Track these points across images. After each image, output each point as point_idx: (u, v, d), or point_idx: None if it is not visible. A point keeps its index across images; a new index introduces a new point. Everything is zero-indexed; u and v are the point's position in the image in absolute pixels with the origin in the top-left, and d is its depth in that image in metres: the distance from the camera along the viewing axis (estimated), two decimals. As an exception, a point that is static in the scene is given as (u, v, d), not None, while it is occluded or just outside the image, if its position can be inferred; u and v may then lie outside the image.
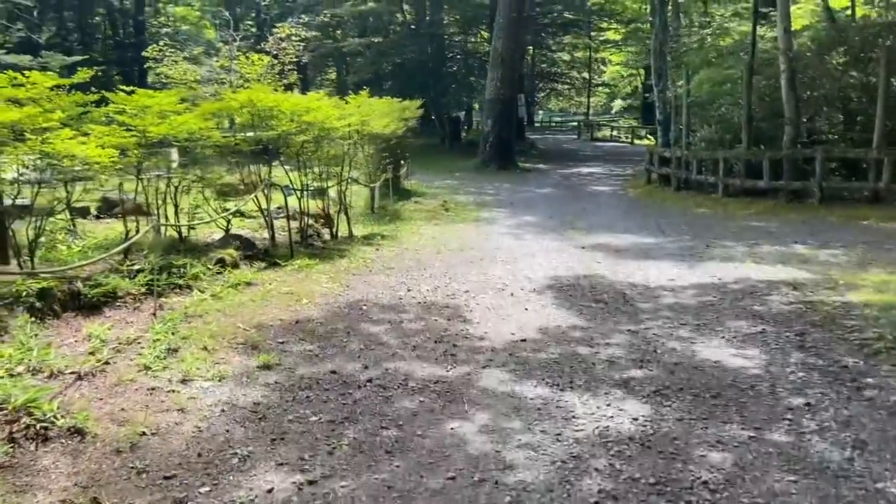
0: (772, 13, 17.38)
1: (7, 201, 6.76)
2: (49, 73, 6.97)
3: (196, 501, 3.53)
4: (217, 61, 22.12)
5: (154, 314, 6.30)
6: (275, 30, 23.08)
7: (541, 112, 62.88)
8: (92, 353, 5.21)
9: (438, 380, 5.15)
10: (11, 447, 3.82)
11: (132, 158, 7.71)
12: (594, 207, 16.21)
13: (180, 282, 7.18)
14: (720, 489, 3.58)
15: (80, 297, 6.20)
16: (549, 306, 7.19)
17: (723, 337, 6.07)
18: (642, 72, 45.38)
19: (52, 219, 8.17)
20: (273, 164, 10.23)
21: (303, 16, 31.33)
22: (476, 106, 41.41)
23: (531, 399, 4.78)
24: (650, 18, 27.38)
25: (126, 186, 8.47)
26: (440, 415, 4.56)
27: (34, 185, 6.76)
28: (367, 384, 5.05)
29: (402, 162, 18.02)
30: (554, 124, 58.87)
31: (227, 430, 4.26)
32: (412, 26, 36.68)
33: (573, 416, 4.48)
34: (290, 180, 10.31)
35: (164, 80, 19.11)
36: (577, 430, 4.28)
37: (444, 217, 14.35)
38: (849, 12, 20.29)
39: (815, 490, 3.56)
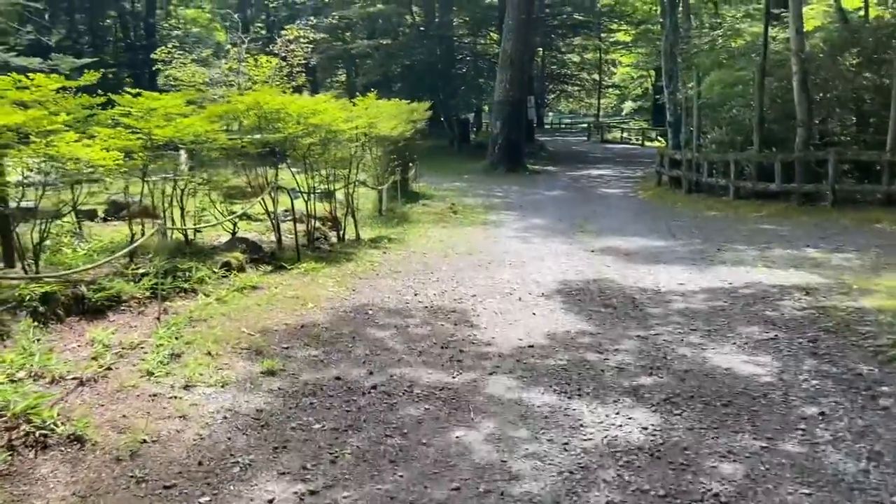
0: (784, 14, 17.18)
1: (12, 204, 6.72)
2: (54, 75, 6.92)
3: (195, 512, 3.47)
4: (226, 63, 22.12)
5: (158, 318, 6.25)
6: (283, 32, 23.04)
7: (550, 114, 62.71)
8: (94, 359, 5.16)
9: (444, 386, 5.07)
10: (10, 455, 3.77)
11: (138, 161, 7.66)
12: (604, 210, 16.10)
13: (185, 285, 7.13)
14: (732, 502, 3.49)
15: (84, 301, 6.15)
16: (557, 311, 7.10)
17: (734, 343, 5.96)
18: (653, 73, 45.24)
19: (58, 222, 8.17)
20: (280, 166, 10.17)
21: (311, 18, 31.33)
22: (485, 108, 41.33)
23: (538, 407, 4.69)
24: (660, 20, 27.25)
25: (133, 189, 8.43)
26: (445, 423, 4.48)
27: (39, 187, 6.71)
28: (372, 391, 4.98)
29: (411, 164, 17.96)
30: (564, 126, 58.67)
31: (229, 438, 4.20)
32: (421, 28, 36.65)
33: (581, 425, 4.39)
34: (297, 183, 10.25)
35: (172, 83, 19.11)
36: (584, 440, 4.19)
37: (452, 220, 14.27)
38: (862, 13, 20.06)
39: (829, 504, 3.47)
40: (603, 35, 46.76)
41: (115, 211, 10.76)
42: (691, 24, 25.38)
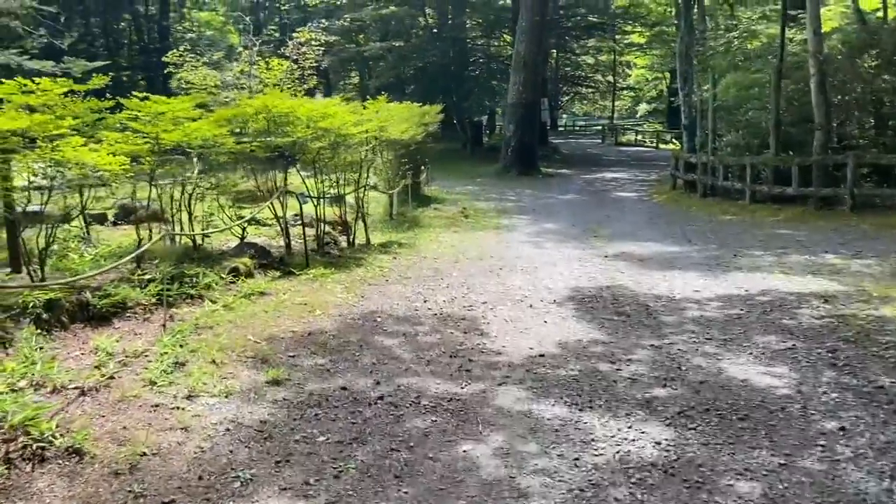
0: (801, 15, 16.95)
1: (18, 209, 6.67)
2: (61, 79, 6.87)
3: (193, 530, 3.37)
4: (237, 66, 22.13)
5: (164, 325, 6.17)
6: (294, 35, 23.02)
7: (564, 116, 62.55)
8: (97, 367, 5.08)
9: (452, 397, 4.95)
10: (7, 468, 3.69)
11: (145, 166, 7.60)
12: (618, 214, 15.93)
13: (192, 292, 7.06)
14: (749, 524, 3.35)
15: (89, 307, 6.08)
16: (569, 319, 6.96)
17: (750, 353, 5.80)
18: (667, 75, 44.98)
19: (65, 226, 8.13)
20: (290, 170, 10.09)
21: (323, 20, 31.32)
22: (499, 110, 41.20)
23: (548, 419, 4.57)
24: (675, 21, 27.04)
25: (141, 194, 8.37)
26: (453, 436, 4.36)
27: (45, 192, 6.66)
28: (379, 401, 4.87)
29: (422, 168, 17.86)
30: (577, 128, 58.48)
31: (231, 451, 4.10)
32: (434, 30, 36.57)
33: (592, 439, 4.26)
34: (307, 187, 10.17)
35: (184, 86, 19.11)
36: (596, 455, 4.06)
37: (463, 224, 14.16)
38: (880, 14, 19.77)
39: (852, 526, 3.32)
40: (617, 37, 46.48)
41: (125, 215, 10.72)
42: (706, 26, 25.12)
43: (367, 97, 14.34)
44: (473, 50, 39.10)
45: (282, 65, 19.02)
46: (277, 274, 8.40)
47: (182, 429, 4.33)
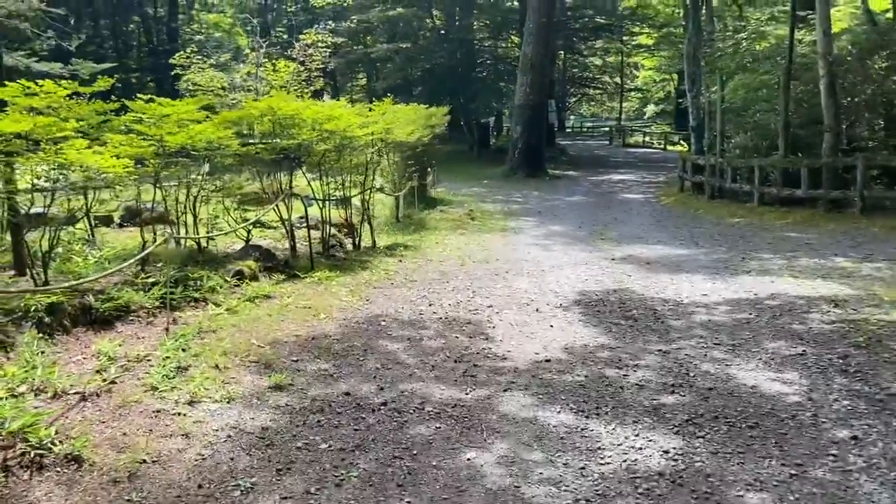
0: (810, 16, 16.83)
1: (21, 211, 6.64)
2: (65, 81, 6.84)
3: (192, 540, 3.31)
4: (244, 68, 22.13)
5: (167, 329, 6.12)
6: (301, 36, 23.01)
7: (572, 117, 62.42)
8: (98, 372, 5.04)
9: (456, 403, 4.89)
10: (4, 476, 3.64)
11: (150, 168, 7.57)
12: (625, 217, 15.84)
13: (196, 295, 7.01)
14: (759, 537, 3.28)
15: (92, 311, 6.04)
16: (575, 323, 6.89)
17: (760, 359, 5.72)
18: (675, 76, 44.82)
19: (70, 228, 8.10)
20: (295, 172, 10.05)
21: (330, 22, 31.32)
22: (506, 112, 41.13)
23: (554, 427, 4.50)
24: (683, 23, 26.91)
25: (148, 196, 8.33)
26: (457, 443, 4.29)
27: (48, 194, 6.62)
28: (382, 407, 4.81)
29: (429, 169, 17.81)
30: (585, 130, 58.33)
31: (232, 459, 4.04)
32: (442, 31, 36.55)
33: (599, 448, 4.18)
34: (312, 189, 10.12)
35: (191, 88, 19.13)
36: (602, 464, 3.99)
37: (470, 226, 14.10)
38: (889, 14, 19.63)
39: (865, 540, 3.24)
40: (625, 38, 46.36)
41: (131, 217, 10.71)
42: (714, 27, 25.02)
43: (375, 99, 14.29)
44: (481, 51, 39.07)
45: (288, 67, 19.01)
46: (282, 277, 8.35)
47: (183, 435, 4.28)
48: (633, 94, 60.16)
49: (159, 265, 7.41)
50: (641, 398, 4.94)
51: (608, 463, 4.00)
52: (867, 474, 3.81)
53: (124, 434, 4.23)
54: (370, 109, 11.51)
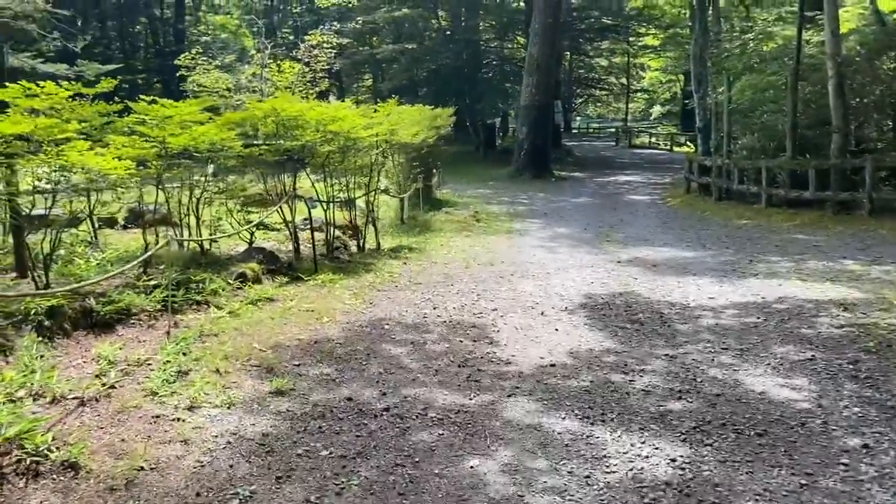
0: (818, 17, 16.70)
1: (23, 213, 6.60)
2: (73, 82, 6.79)
3: (189, 550, 3.25)
4: (249, 69, 22.11)
5: (168, 333, 6.07)
6: (306, 38, 22.98)
7: (578, 118, 62.32)
8: (98, 377, 4.99)
9: (460, 409, 4.82)
10: None
11: (152, 170, 7.52)
12: (631, 218, 15.74)
13: (198, 298, 6.96)
14: (769, 549, 3.20)
15: (93, 314, 5.99)
16: (581, 327, 6.81)
17: (768, 364, 5.63)
18: (681, 77, 44.65)
19: (73, 230, 8.06)
20: (299, 174, 9.99)
21: (336, 23, 31.30)
22: (512, 113, 41.06)
23: (559, 433, 4.42)
24: (690, 23, 26.78)
25: (151, 198, 8.28)
26: (460, 450, 4.22)
27: (50, 196, 6.57)
28: (384, 413, 4.74)
29: (434, 171, 17.74)
30: (591, 130, 58.23)
31: (231, 466, 3.98)
32: (447, 32, 36.47)
33: (604, 456, 4.11)
34: (317, 191, 10.06)
35: (196, 89, 19.11)
36: (608, 472, 3.91)
37: (475, 228, 14.02)
38: (899, 15, 19.47)
39: (877, 553, 3.16)
40: (631, 39, 46.17)
41: (135, 218, 10.67)
42: (721, 28, 24.85)
43: (380, 100, 14.24)
44: (486, 52, 38.99)
45: (293, 68, 18.97)
46: (285, 279, 8.29)
47: (182, 442, 4.22)
48: (639, 94, 60.00)
49: (161, 268, 7.35)
50: (648, 404, 4.86)
51: (614, 471, 3.92)
52: (879, 484, 3.72)
53: (122, 440, 4.17)
54: (375, 110, 11.45)
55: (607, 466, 3.98)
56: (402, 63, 34.29)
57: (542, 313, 7.30)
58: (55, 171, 6.44)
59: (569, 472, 3.92)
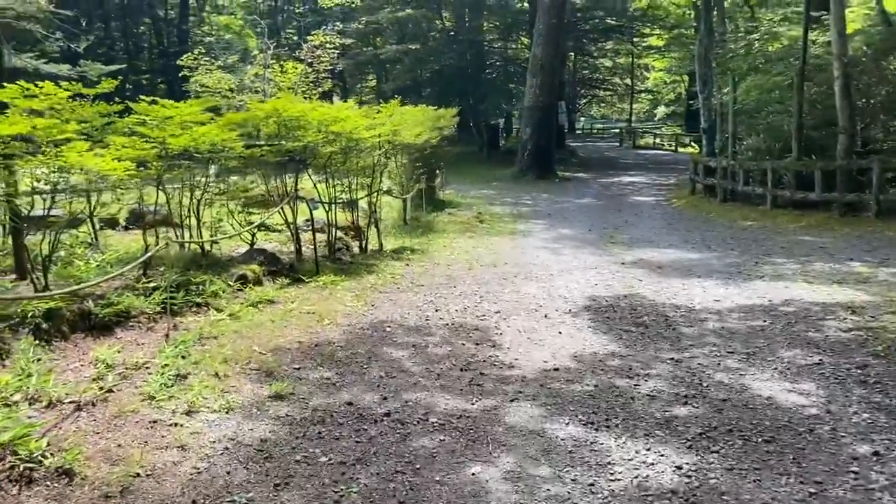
0: (824, 17, 16.60)
1: (22, 214, 6.54)
2: (73, 82, 6.73)
3: (184, 560, 3.18)
4: (252, 69, 22.06)
5: (167, 335, 6.01)
6: (309, 38, 22.93)
7: (582, 119, 62.22)
8: (95, 380, 4.92)
9: (462, 414, 4.74)
10: (-7, 490, 3.52)
11: (153, 171, 7.46)
12: (635, 219, 15.65)
13: (198, 300, 6.90)
14: (777, 561, 3.11)
15: (91, 316, 5.93)
16: (585, 330, 6.73)
17: (775, 368, 5.54)
18: (686, 78, 44.54)
19: (73, 231, 8.01)
20: (301, 175, 9.93)
21: (339, 23, 31.25)
22: (515, 113, 40.98)
23: (562, 440, 4.34)
24: (694, 24, 26.68)
25: (150, 199, 8.23)
26: (461, 457, 4.14)
27: (49, 197, 6.51)
28: (385, 418, 4.67)
29: (437, 172, 17.67)
30: (595, 131, 58.10)
31: (228, 473, 3.91)
32: (451, 33, 36.43)
33: (609, 463, 4.03)
34: (319, 192, 10.00)
35: (198, 90, 19.06)
36: (612, 480, 3.83)
37: (478, 229, 13.94)
38: (905, 15, 19.33)
39: (890, 565, 3.07)
40: (635, 39, 46.12)
41: (136, 219, 10.61)
42: (726, 28, 24.77)
43: (384, 100, 14.18)
44: (490, 53, 38.94)
45: (296, 68, 18.91)
46: (286, 281, 8.22)
47: (179, 447, 4.15)
48: (643, 95, 59.86)
49: (162, 269, 7.29)
50: (653, 409, 4.78)
51: (618, 479, 3.84)
52: (890, 493, 3.64)
53: (119, 446, 4.11)
54: (378, 111, 11.39)
55: (612, 474, 3.90)
56: (405, 63, 34.26)
57: (546, 316, 7.22)
58: (54, 172, 6.37)
59: (572, 480, 3.84)
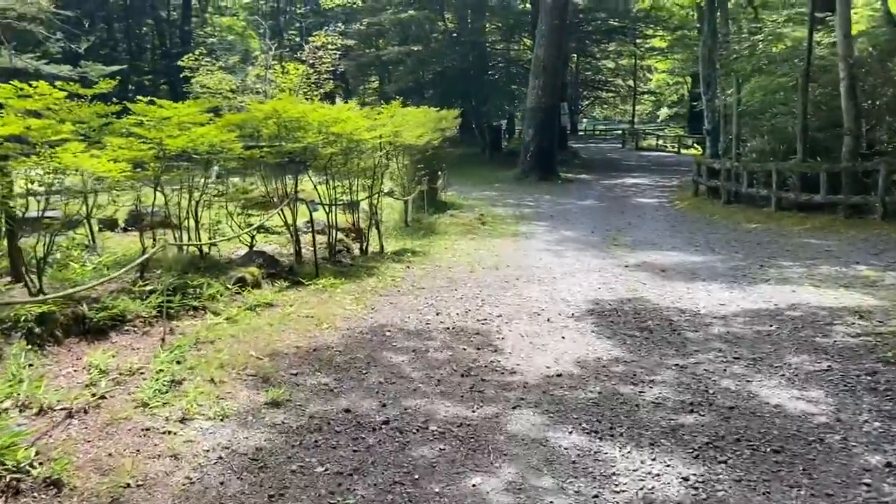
0: (829, 18, 16.47)
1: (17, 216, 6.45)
2: (74, 83, 6.64)
3: (173, 575, 3.07)
4: (253, 70, 21.97)
5: (163, 340, 5.90)
6: (311, 39, 22.84)
7: (585, 120, 62.04)
8: (88, 386, 4.81)
9: (462, 422, 4.63)
10: (-22, 501, 3.42)
11: (150, 172, 7.36)
12: (638, 221, 15.53)
13: (195, 303, 6.79)
14: (789, 579, 3.00)
15: (85, 320, 5.82)
16: (588, 334, 6.61)
17: (782, 375, 5.42)
18: (689, 79, 44.37)
19: (70, 233, 7.91)
20: (301, 177, 9.82)
21: (341, 25, 31.17)
22: (518, 114, 40.86)
23: (566, 449, 4.23)
24: (697, 25, 26.56)
25: (148, 200, 8.12)
26: (461, 467, 4.03)
27: (42, 199, 6.41)
28: (383, 426, 4.55)
29: (439, 173, 17.57)
30: (598, 133, 57.97)
31: (221, 483, 3.80)
32: (453, 34, 36.34)
33: (613, 473, 3.91)
34: (319, 193, 9.89)
35: (199, 91, 18.96)
36: (617, 492, 3.72)
37: (480, 231, 13.83)
38: (910, 16, 19.19)
39: (906, 584, 2.96)
40: (638, 41, 45.92)
41: (135, 221, 10.51)
42: (730, 30, 24.65)
43: (386, 101, 14.09)
44: (493, 54, 38.83)
45: (298, 69, 18.81)
46: (285, 284, 8.12)
47: (171, 456, 4.04)
48: (646, 96, 59.68)
49: (159, 272, 7.19)
50: (658, 418, 4.66)
51: (623, 491, 3.73)
52: (904, 507, 3.52)
53: (110, 454, 4.00)
54: (379, 112, 11.28)
55: (616, 485, 3.79)
56: (407, 65, 34.17)
57: (549, 320, 7.11)
58: (48, 173, 6.27)
59: (576, 492, 3.72)
